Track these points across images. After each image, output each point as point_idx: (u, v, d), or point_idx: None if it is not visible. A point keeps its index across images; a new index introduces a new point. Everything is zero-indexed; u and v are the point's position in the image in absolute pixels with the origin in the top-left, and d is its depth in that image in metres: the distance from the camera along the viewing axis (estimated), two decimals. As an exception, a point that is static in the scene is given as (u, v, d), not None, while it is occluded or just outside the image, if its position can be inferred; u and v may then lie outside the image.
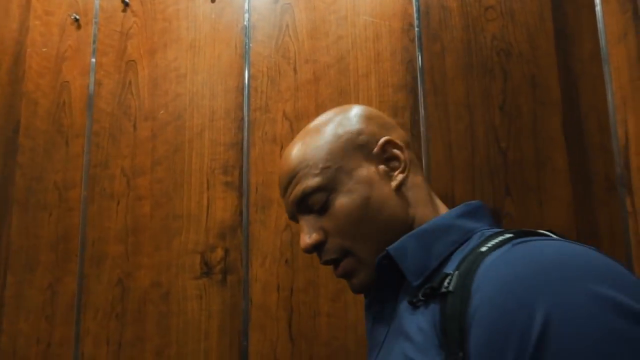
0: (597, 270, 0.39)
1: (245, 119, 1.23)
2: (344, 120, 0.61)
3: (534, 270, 0.40)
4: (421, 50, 1.16)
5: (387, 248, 0.55)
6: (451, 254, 0.53)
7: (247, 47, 1.26)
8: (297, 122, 1.20)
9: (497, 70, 1.11)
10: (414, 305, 0.51)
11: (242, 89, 1.24)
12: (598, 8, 1.04)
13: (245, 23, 1.27)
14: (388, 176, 0.59)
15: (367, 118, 0.61)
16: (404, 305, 0.54)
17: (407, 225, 0.58)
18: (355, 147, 0.59)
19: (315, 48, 1.22)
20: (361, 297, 1.08)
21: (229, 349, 1.13)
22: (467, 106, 1.12)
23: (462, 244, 0.53)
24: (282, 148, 1.20)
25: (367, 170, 0.58)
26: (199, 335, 1.15)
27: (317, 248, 0.60)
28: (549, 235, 0.48)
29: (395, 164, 0.59)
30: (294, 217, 0.62)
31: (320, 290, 1.11)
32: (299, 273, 1.13)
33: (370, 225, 0.57)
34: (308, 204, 0.59)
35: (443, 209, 0.61)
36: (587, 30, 1.07)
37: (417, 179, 0.61)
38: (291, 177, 0.60)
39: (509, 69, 1.11)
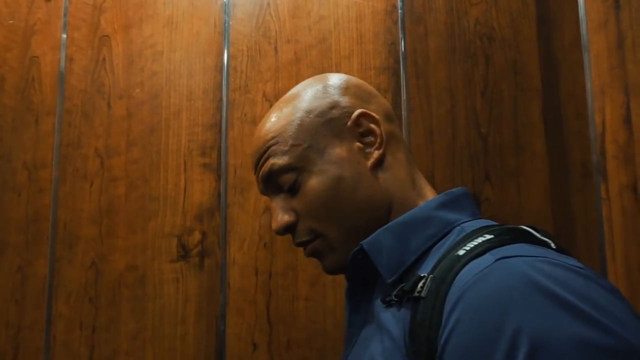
0: (583, 303, 0.37)
1: (224, 99, 1.20)
2: (318, 92, 0.57)
3: (519, 297, 0.37)
4: (404, 33, 1.14)
5: (361, 242, 0.52)
6: (429, 248, 0.51)
7: (226, 24, 1.22)
8: (278, 103, 1.17)
9: (479, 55, 1.11)
10: (387, 304, 0.49)
11: (221, 68, 1.21)
12: (580, -6, 1.04)
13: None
14: (364, 153, 0.55)
15: (344, 89, 0.57)
16: (378, 302, 0.52)
17: (384, 208, 0.54)
18: (327, 122, 0.55)
19: (296, 28, 1.19)
20: (340, 281, 1.07)
21: (205, 333, 1.12)
22: (449, 90, 1.11)
23: (440, 238, 0.51)
24: (261, 130, 1.17)
25: (339, 148, 0.54)
26: (175, 319, 1.13)
27: (288, 230, 0.57)
28: (530, 234, 0.46)
29: (371, 139, 0.55)
30: (265, 194, 0.60)
31: (299, 274, 1.11)
32: (278, 257, 1.12)
33: (342, 208, 0.53)
34: (277, 183, 0.56)
35: (428, 191, 0.57)
36: (569, 17, 1.07)
37: (398, 156, 0.56)
38: (262, 153, 0.57)
39: (491, 54, 1.10)
